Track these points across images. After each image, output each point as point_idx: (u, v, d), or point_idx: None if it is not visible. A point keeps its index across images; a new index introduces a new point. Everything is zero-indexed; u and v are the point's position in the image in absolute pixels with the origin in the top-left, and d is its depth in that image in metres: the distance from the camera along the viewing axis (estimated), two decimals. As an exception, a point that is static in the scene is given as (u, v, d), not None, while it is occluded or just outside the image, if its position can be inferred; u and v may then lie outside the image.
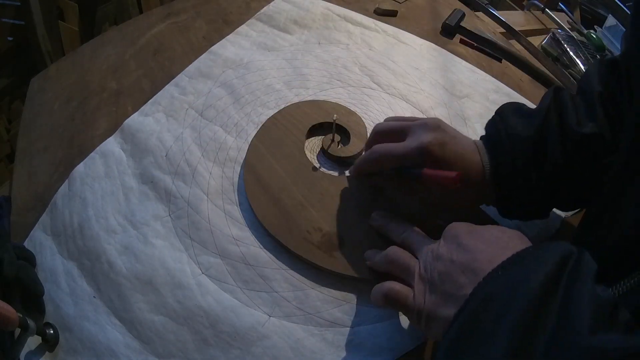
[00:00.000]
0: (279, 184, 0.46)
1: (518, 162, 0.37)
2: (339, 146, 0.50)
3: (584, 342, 0.21)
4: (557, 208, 0.43)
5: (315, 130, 0.52)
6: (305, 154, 0.49)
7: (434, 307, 0.30)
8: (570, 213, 0.47)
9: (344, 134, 0.51)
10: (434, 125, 0.38)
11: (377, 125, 0.44)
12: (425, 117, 0.45)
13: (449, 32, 0.72)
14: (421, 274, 0.32)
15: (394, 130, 0.41)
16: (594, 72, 0.40)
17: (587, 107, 0.37)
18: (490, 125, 0.41)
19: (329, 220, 0.43)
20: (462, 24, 0.74)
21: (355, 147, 0.49)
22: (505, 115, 0.40)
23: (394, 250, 0.36)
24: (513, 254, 0.27)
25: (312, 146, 0.51)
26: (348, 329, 0.38)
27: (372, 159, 0.41)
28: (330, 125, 0.50)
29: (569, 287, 0.23)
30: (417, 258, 0.34)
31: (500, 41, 0.73)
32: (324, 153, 0.50)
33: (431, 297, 0.30)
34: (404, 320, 0.38)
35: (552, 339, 0.22)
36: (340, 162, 0.49)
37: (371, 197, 0.45)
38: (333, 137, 0.50)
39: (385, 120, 0.45)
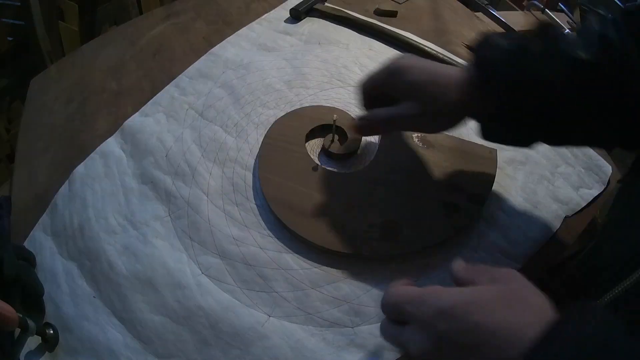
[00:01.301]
0: (312, 202, 0.44)
1: (501, 70, 0.35)
2: (339, 144, 0.51)
3: None
4: (542, 139, 0.39)
5: (307, 137, 0.52)
6: (317, 163, 0.49)
7: None
8: (571, 213, 0.47)
9: (341, 133, 0.52)
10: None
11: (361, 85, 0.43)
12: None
13: (296, 17, 0.72)
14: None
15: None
16: (595, 20, 0.36)
17: (583, 41, 0.34)
18: (476, 43, 0.38)
19: (376, 212, 0.43)
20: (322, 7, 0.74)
21: (355, 142, 0.50)
22: (488, 35, 0.38)
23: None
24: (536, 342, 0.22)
25: (310, 148, 0.51)
26: (348, 329, 0.38)
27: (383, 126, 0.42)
28: (322, 128, 0.52)
29: None
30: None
31: (366, 17, 0.72)
32: (325, 154, 0.50)
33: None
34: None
35: None
36: (341, 159, 0.50)
37: (397, 176, 0.47)
38: (333, 137, 0.51)
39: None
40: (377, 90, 0.42)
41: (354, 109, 0.56)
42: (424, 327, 0.26)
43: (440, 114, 0.39)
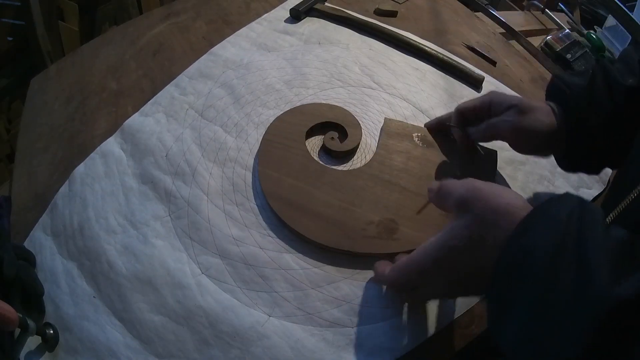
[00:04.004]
0: (310, 199, 0.45)
1: (580, 106, 0.40)
2: (340, 142, 0.51)
3: (605, 294, 0.22)
4: (608, 164, 0.44)
5: (307, 135, 0.52)
6: (316, 160, 0.49)
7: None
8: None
9: (340, 130, 0.52)
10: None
11: (458, 106, 0.47)
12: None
13: (296, 17, 0.73)
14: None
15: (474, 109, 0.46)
16: (632, 49, 0.43)
17: (628, 68, 0.41)
18: (551, 84, 0.44)
19: (374, 210, 0.43)
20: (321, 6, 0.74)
21: (354, 139, 0.50)
22: (559, 76, 0.43)
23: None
24: (519, 221, 0.28)
25: (310, 145, 0.51)
26: (348, 329, 0.38)
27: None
28: (322, 126, 0.52)
29: (580, 240, 0.24)
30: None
31: (365, 17, 0.72)
32: (325, 151, 0.51)
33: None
34: (404, 321, 0.38)
35: (573, 295, 0.23)
36: (341, 157, 0.50)
37: (398, 174, 0.47)
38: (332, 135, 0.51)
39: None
40: (476, 110, 0.45)
41: (354, 108, 0.56)
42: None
43: (535, 131, 0.41)
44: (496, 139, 0.45)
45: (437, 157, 0.48)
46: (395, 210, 0.43)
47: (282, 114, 0.54)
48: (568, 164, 0.44)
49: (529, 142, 0.43)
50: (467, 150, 0.48)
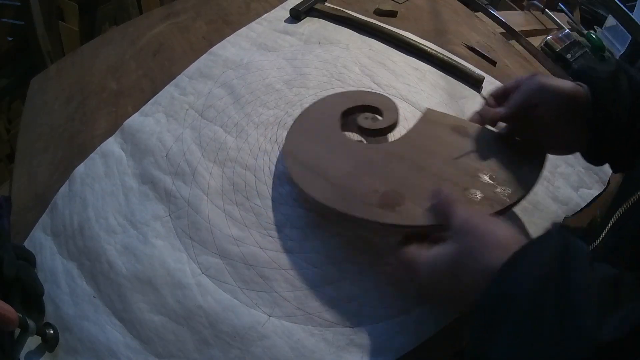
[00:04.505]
0: (324, 162, 0.46)
1: (605, 87, 0.39)
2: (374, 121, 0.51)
3: (591, 337, 0.22)
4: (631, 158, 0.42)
5: (347, 115, 0.53)
6: (343, 133, 0.49)
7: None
8: (570, 213, 0.47)
9: (376, 111, 0.52)
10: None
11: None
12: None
13: (296, 17, 0.73)
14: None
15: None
16: None
17: None
18: (576, 71, 0.43)
19: (383, 180, 0.43)
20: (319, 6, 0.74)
21: (389, 120, 0.50)
22: (584, 63, 0.44)
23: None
24: (509, 257, 0.28)
25: (345, 123, 0.52)
26: (348, 329, 0.38)
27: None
28: (362, 108, 0.52)
29: (564, 283, 0.24)
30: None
31: (365, 17, 0.73)
32: (360, 130, 0.51)
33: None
34: (404, 321, 0.38)
35: (557, 339, 0.23)
36: (374, 135, 0.51)
37: (420, 155, 0.46)
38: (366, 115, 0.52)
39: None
40: (507, 92, 0.45)
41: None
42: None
43: (560, 87, 0.41)
44: (526, 111, 0.43)
45: (469, 146, 0.45)
46: (405, 185, 0.42)
47: (328, 95, 0.55)
48: (594, 150, 0.42)
49: (554, 103, 0.41)
50: (508, 142, 0.45)
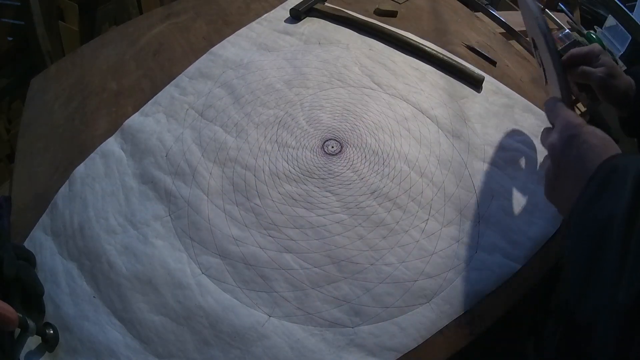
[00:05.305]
0: None
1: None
2: None
3: None
4: None
5: None
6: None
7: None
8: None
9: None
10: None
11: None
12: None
13: (296, 17, 0.73)
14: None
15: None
16: None
17: None
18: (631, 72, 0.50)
19: None
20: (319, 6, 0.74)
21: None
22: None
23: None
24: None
25: None
26: (348, 329, 0.38)
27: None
28: None
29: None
30: None
31: (365, 17, 0.72)
32: None
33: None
34: (404, 321, 0.38)
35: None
36: None
37: None
38: None
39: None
40: (587, 57, 0.49)
41: (354, 108, 0.56)
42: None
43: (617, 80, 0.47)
44: (582, 88, 0.49)
45: None
46: None
47: None
48: (631, 127, 0.48)
49: (611, 95, 0.48)
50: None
